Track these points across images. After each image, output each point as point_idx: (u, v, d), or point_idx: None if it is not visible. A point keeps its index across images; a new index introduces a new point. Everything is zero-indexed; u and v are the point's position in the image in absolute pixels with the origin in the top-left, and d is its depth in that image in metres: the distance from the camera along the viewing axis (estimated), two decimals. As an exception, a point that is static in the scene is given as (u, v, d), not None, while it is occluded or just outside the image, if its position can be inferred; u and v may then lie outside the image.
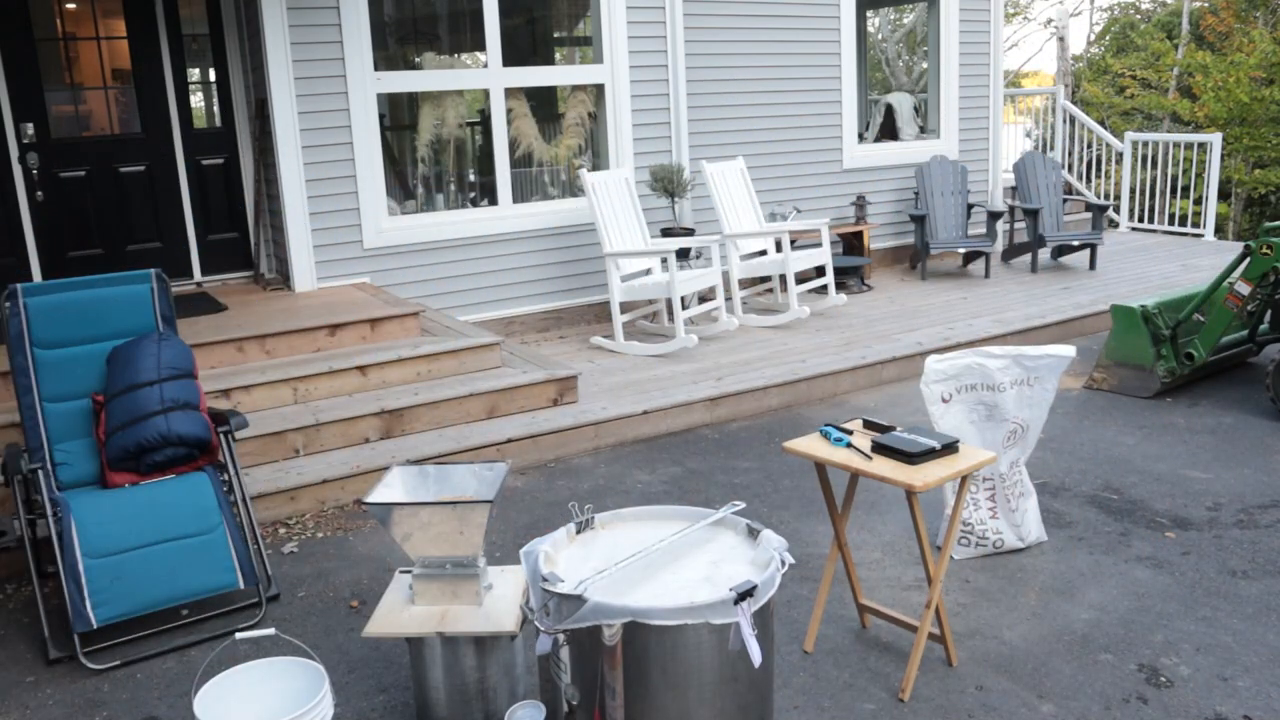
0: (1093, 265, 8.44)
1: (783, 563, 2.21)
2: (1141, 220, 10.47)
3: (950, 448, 2.92)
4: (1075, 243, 8.44)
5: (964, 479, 2.96)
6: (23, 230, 6.15)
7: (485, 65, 6.83)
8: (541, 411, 5.26)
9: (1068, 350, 3.60)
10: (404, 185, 7.34)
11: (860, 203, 8.27)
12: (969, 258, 8.75)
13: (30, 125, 6.10)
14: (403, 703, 3.04)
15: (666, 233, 6.99)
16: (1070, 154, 10.91)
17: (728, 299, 7.06)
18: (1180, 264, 8.55)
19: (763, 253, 7.25)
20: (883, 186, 8.66)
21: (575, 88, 7.26)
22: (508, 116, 6.82)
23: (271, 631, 2.72)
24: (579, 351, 6.44)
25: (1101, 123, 14.65)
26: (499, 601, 2.72)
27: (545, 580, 2.15)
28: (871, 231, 8.36)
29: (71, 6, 6.26)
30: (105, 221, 6.38)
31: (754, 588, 2.03)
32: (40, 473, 3.50)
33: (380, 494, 2.77)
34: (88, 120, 6.38)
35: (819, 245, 7.15)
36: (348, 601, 3.68)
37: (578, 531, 2.47)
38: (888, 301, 7.57)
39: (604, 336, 6.58)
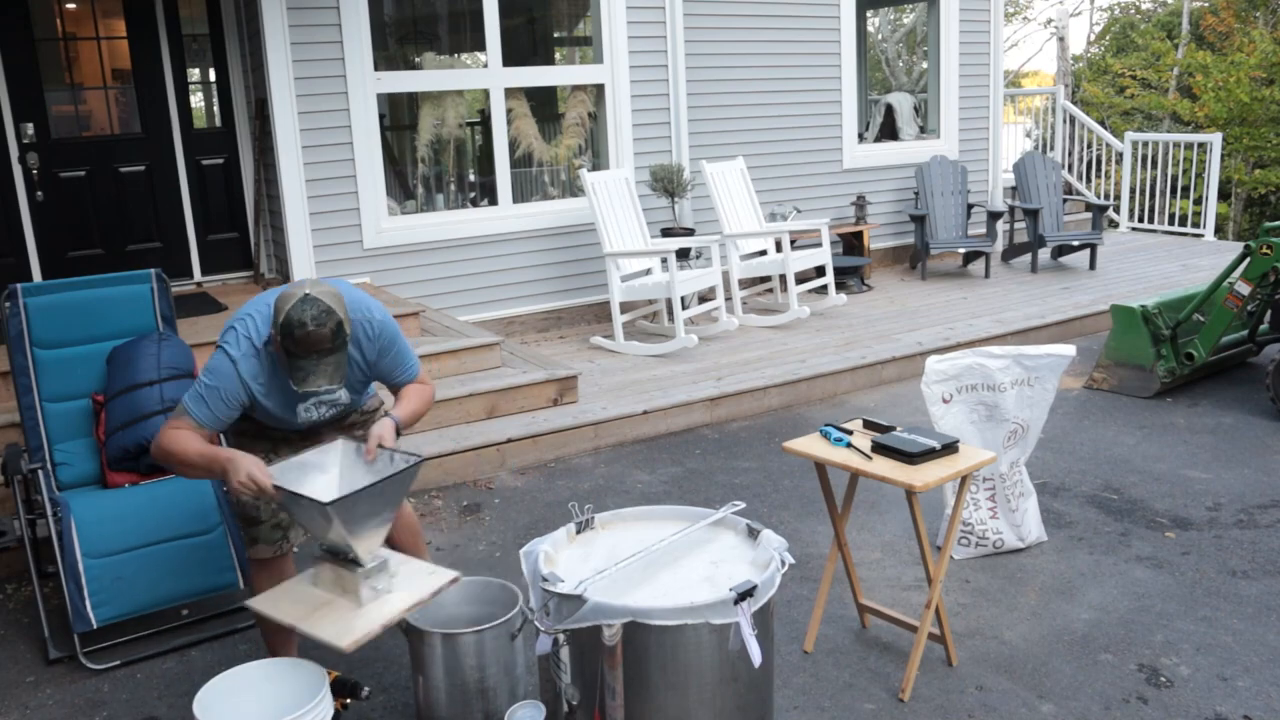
0: (1093, 265, 8.44)
1: (783, 563, 2.21)
2: (1141, 220, 10.47)
3: (950, 448, 2.92)
4: (1075, 243, 8.44)
5: (964, 479, 2.96)
6: (23, 230, 6.15)
7: (485, 65, 6.83)
8: (541, 411, 5.26)
9: (1068, 350, 3.60)
10: (404, 185, 7.34)
11: (860, 203, 8.27)
12: (969, 258, 8.75)
13: (30, 125, 6.10)
14: (403, 703, 3.04)
15: (666, 233, 6.99)
16: (1070, 154, 10.91)
17: (728, 299, 7.06)
18: (1180, 264, 8.55)
19: (763, 253, 7.25)
20: (883, 186, 8.66)
21: (575, 88, 7.27)
22: (508, 116, 6.82)
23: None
24: (579, 351, 6.44)
25: (1101, 123, 14.65)
26: (381, 608, 2.50)
27: (545, 580, 2.15)
28: (871, 231, 8.36)
29: (71, 6, 6.26)
30: (105, 221, 6.38)
31: (754, 588, 2.03)
32: (40, 473, 3.50)
33: (290, 477, 2.60)
34: (88, 120, 6.38)
35: (819, 245, 7.15)
36: (348, 601, 3.68)
37: (578, 531, 2.47)
38: (888, 301, 7.57)
39: (604, 336, 6.58)
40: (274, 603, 2.53)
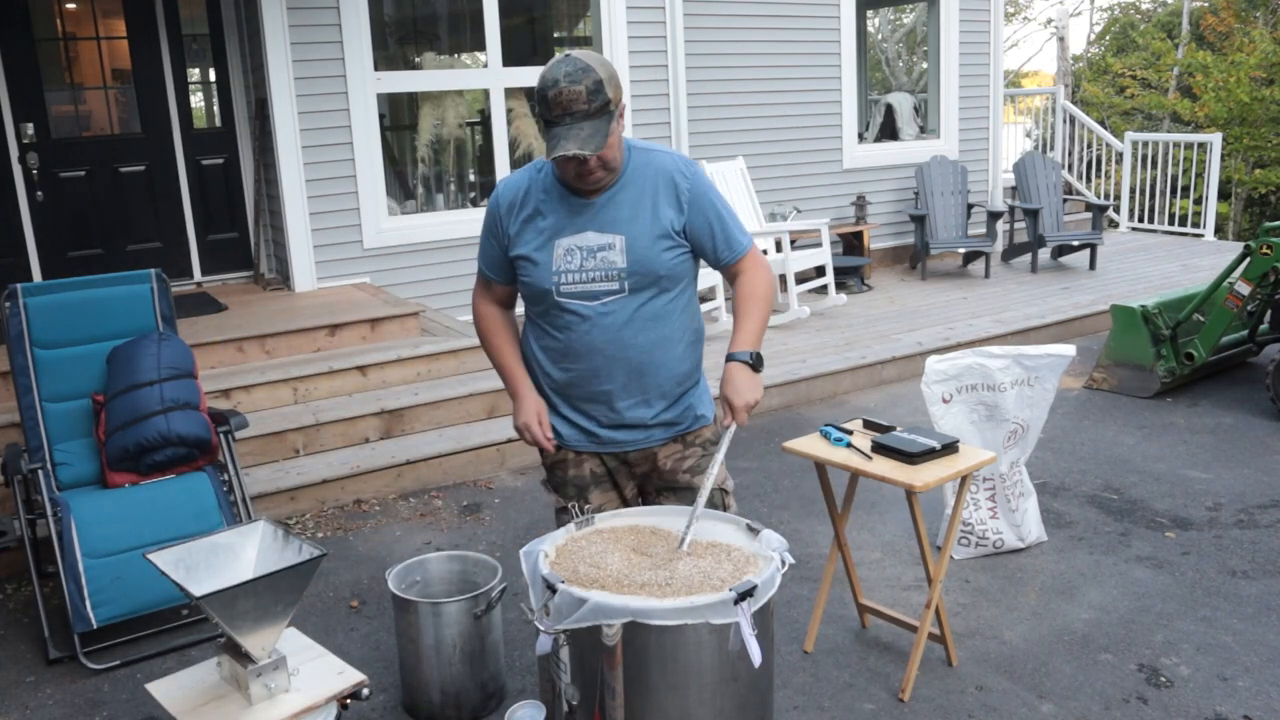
0: (1093, 265, 8.44)
1: (783, 563, 2.21)
2: (1141, 220, 10.47)
3: (950, 448, 2.92)
4: (1075, 243, 8.44)
5: (964, 479, 2.96)
6: (23, 230, 6.15)
7: (485, 65, 6.83)
8: (541, 411, 5.25)
9: (1068, 350, 3.60)
10: (404, 185, 7.35)
11: (860, 203, 8.27)
12: (969, 258, 8.75)
13: (30, 125, 6.10)
14: (403, 703, 3.04)
15: (666, 233, 6.98)
16: (1070, 154, 10.91)
17: (727, 299, 7.06)
18: (1180, 264, 8.55)
19: (763, 252, 7.24)
20: (883, 186, 8.66)
21: (575, 88, 7.26)
22: (508, 116, 6.82)
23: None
24: (579, 351, 6.42)
25: (1101, 123, 14.65)
26: (271, 709, 2.33)
27: (545, 580, 2.15)
28: (871, 231, 8.36)
29: (71, 6, 6.26)
30: (105, 221, 6.38)
31: (754, 588, 2.03)
32: (40, 473, 3.50)
33: (198, 558, 2.42)
34: (88, 120, 6.38)
35: (819, 245, 7.15)
36: (348, 601, 3.68)
37: (577, 531, 2.46)
38: (888, 301, 7.57)
39: (604, 336, 6.57)
40: (170, 688, 2.40)
